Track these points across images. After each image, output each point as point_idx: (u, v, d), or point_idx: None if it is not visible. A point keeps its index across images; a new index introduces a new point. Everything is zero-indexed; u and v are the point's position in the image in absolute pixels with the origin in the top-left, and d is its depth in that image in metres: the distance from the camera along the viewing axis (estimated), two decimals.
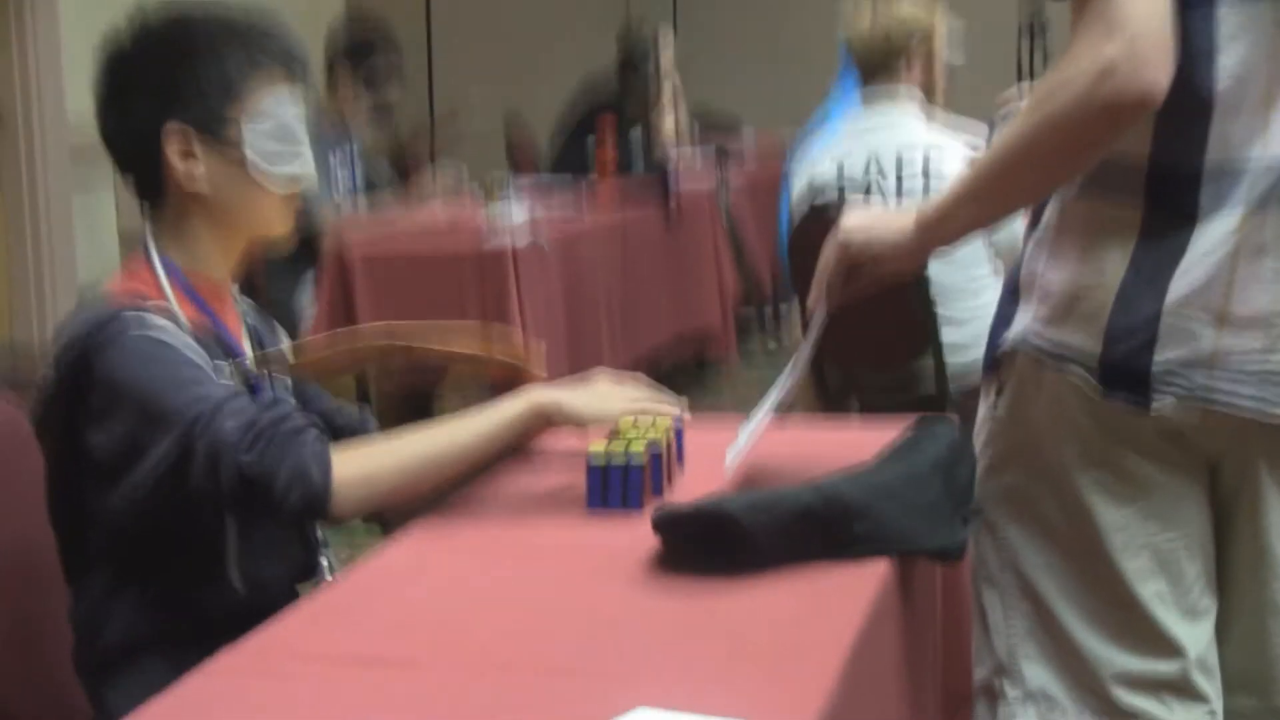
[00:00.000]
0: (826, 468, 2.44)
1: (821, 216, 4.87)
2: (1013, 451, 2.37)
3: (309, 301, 6.09)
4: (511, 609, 1.99)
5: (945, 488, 2.19)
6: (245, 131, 2.44)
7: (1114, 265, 2.20)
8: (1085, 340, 2.22)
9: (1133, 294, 2.18)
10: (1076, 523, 2.31)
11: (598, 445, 2.38)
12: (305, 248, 6.00)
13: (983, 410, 2.42)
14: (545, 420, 2.40)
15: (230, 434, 2.21)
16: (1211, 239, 2.15)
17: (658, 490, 2.41)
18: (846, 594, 1.99)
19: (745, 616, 1.93)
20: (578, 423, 2.41)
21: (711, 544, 2.07)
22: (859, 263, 2.36)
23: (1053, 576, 2.34)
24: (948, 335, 4.65)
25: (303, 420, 2.27)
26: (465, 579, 2.11)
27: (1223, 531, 2.33)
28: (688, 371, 7.91)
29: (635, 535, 2.16)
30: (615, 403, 2.43)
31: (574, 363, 6.03)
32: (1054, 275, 2.26)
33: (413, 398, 6.06)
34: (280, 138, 2.47)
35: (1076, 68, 2.05)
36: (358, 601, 2.04)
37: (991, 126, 2.55)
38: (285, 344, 2.68)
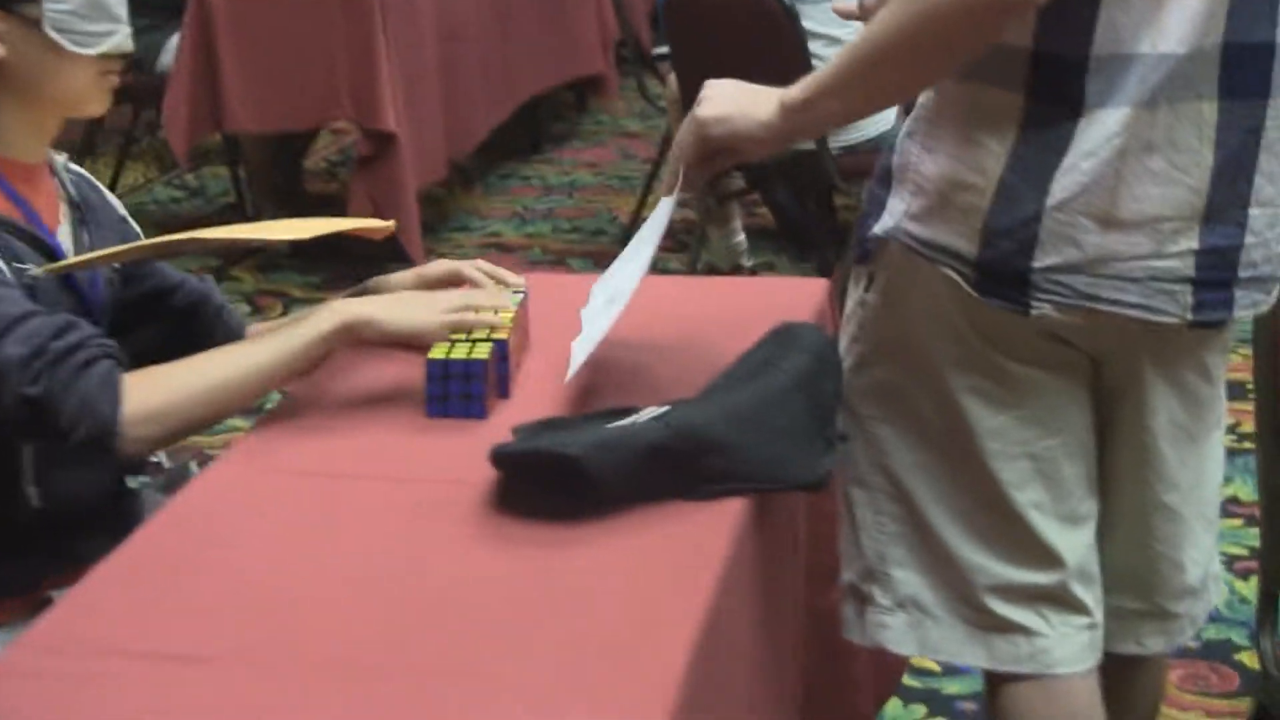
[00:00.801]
0: (686, 355, 2.32)
1: None
2: (884, 345, 2.22)
3: (169, 59, 5.80)
4: (326, 578, 1.83)
5: (809, 406, 2.05)
6: None
7: (993, 159, 2.04)
8: (960, 240, 2.07)
9: (1012, 192, 2.03)
10: (951, 425, 2.18)
11: (440, 344, 2.21)
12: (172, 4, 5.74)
13: (852, 299, 2.27)
14: (354, 336, 2.23)
15: (14, 360, 2.05)
16: (1097, 135, 1.99)
17: (504, 392, 2.26)
18: (699, 546, 1.86)
19: (589, 583, 1.79)
20: (392, 339, 2.24)
21: (554, 483, 1.92)
22: (718, 150, 2.18)
23: (925, 478, 2.22)
24: None
25: (97, 349, 2.10)
26: (281, 530, 1.95)
27: (1104, 431, 2.21)
28: (568, 116, 7.67)
29: (474, 456, 2.00)
30: (434, 314, 2.24)
31: (448, 111, 5.80)
32: (929, 166, 2.10)
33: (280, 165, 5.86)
34: (89, 6, 2.24)
35: None
36: (158, 569, 1.87)
37: None
38: (123, 210, 2.48)
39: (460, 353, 2.20)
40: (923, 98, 2.13)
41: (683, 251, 5.58)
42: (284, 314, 5.33)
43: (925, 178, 2.10)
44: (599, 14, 6.95)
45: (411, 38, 5.57)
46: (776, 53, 4.57)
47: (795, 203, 5.51)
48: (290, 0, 5.52)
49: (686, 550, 1.85)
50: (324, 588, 1.80)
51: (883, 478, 2.25)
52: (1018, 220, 2.02)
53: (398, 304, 2.26)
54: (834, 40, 4.57)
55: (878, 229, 2.16)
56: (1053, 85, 2.00)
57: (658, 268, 5.46)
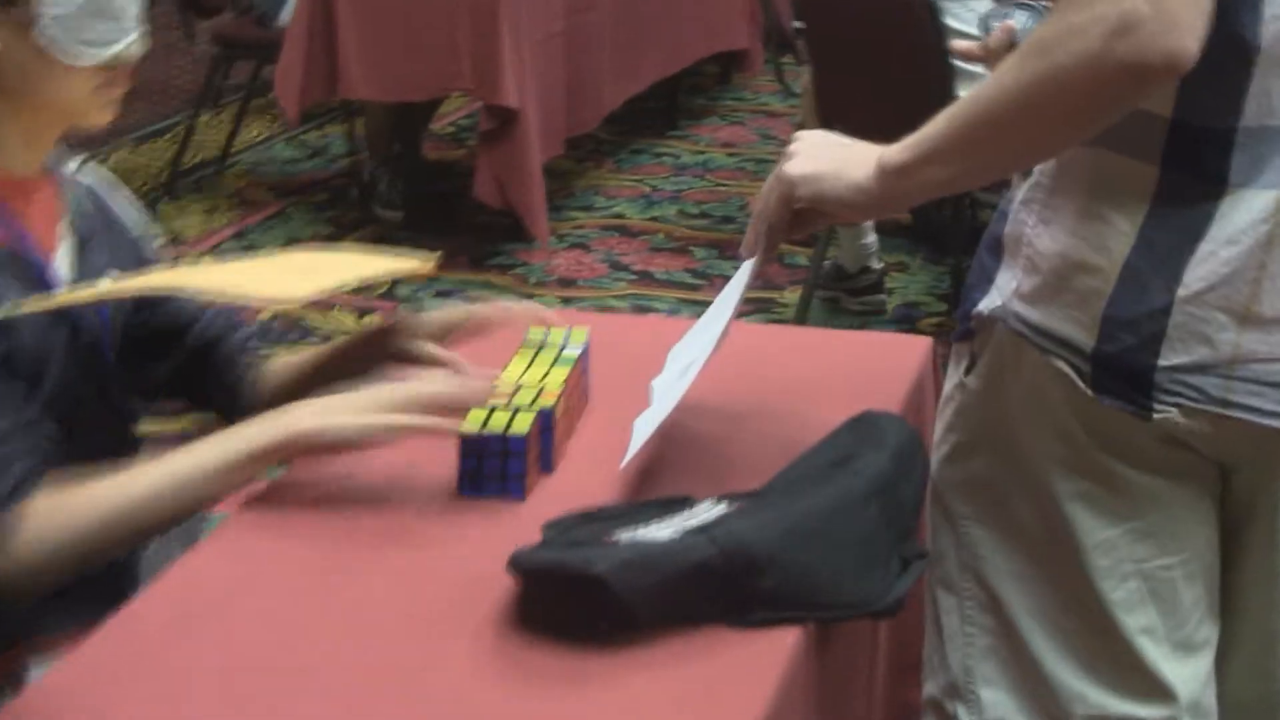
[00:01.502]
0: (761, 428, 2.07)
1: None
2: (984, 436, 1.96)
3: (289, 15, 5.60)
4: (308, 696, 1.60)
5: (883, 518, 1.79)
6: None
7: (1118, 238, 1.78)
8: (1075, 328, 1.81)
9: (1138, 278, 1.77)
10: (1054, 534, 1.91)
11: (478, 411, 1.97)
12: None
13: (951, 380, 2.00)
14: (303, 449, 1.97)
15: None
16: (1241, 219, 1.73)
17: (547, 465, 2.01)
18: (744, 683, 1.61)
19: None
20: (347, 449, 1.97)
21: (581, 599, 1.67)
22: (805, 212, 1.92)
23: (1022, 590, 1.95)
24: None
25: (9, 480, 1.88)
26: (268, 630, 1.71)
27: (1229, 547, 1.94)
28: (708, 90, 7.38)
29: (504, 547, 1.74)
30: (397, 419, 1.95)
31: (573, 88, 5.54)
32: (1044, 241, 1.83)
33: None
34: (91, 10, 2.00)
35: (1090, 13, 1.61)
36: (125, 679, 1.64)
37: (985, 25, 2.05)
38: (140, 226, 2.25)
39: (498, 424, 1.95)
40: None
41: (810, 245, 5.29)
42: (388, 293, 5.11)
43: (1040, 254, 1.83)
44: None
45: (538, 6, 5.32)
46: (913, 48, 4.29)
47: (931, 202, 5.20)
48: None
49: (730, 689, 1.60)
50: (305, 706, 1.57)
51: (974, 584, 1.98)
52: (1143, 311, 1.76)
53: (350, 409, 1.97)
54: (974, 39, 4.25)
55: (983, 305, 1.90)
56: (1192, 158, 1.75)
57: (782, 260, 5.24)
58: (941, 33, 4.18)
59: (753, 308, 4.96)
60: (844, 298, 5.00)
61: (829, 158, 1.88)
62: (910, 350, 2.34)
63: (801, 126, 5.29)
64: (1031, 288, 1.84)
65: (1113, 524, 1.87)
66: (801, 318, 4.72)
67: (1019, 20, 2.00)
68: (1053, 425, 1.86)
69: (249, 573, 1.81)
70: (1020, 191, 1.89)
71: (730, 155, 6.53)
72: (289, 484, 2.00)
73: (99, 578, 2.02)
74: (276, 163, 6.48)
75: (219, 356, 2.26)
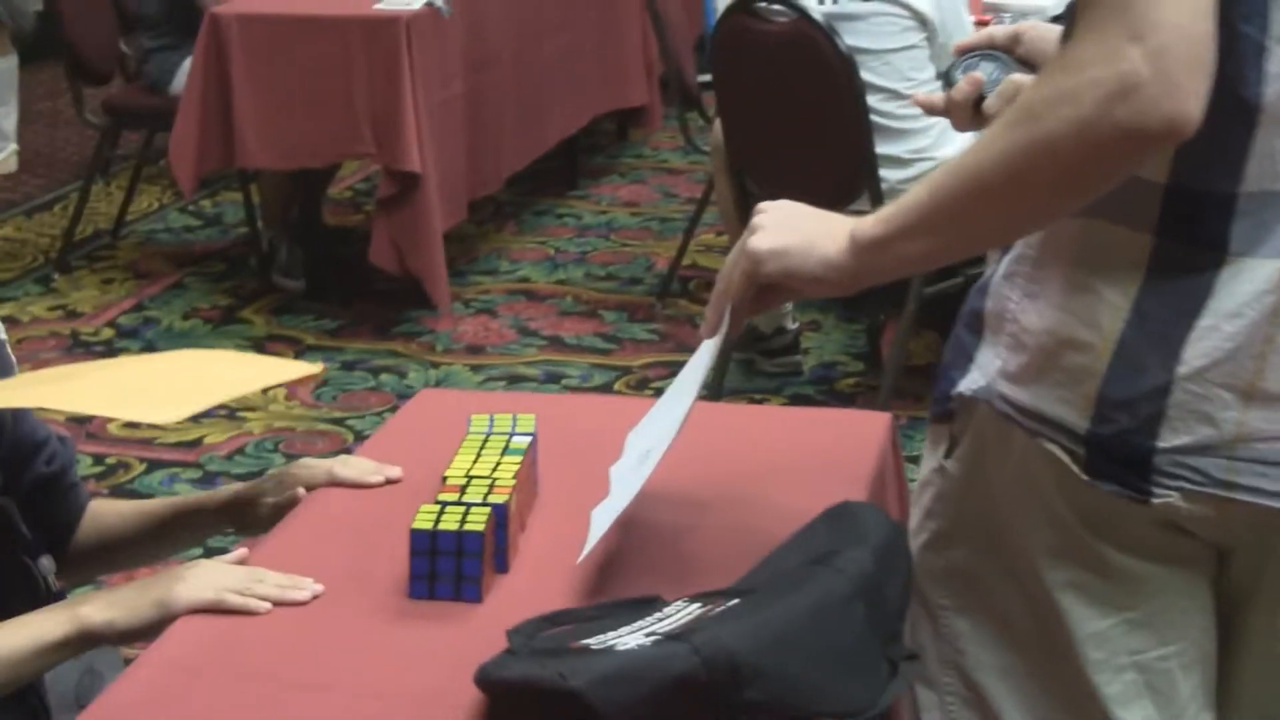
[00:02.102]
0: (727, 516, 1.97)
1: (751, 14, 4.30)
2: (966, 523, 1.86)
3: (181, 83, 5.47)
4: None
5: (870, 618, 1.67)
6: None
7: (1111, 311, 1.68)
8: (1067, 409, 1.71)
9: (1133, 355, 1.67)
10: (1043, 625, 1.81)
11: (428, 508, 1.85)
12: (187, 23, 5.40)
13: (928, 464, 1.90)
14: (91, 644, 1.86)
15: None
16: (1243, 291, 1.64)
17: (501, 565, 1.89)
18: None
19: None
20: (137, 640, 1.85)
21: (554, 715, 1.55)
22: (772, 288, 1.82)
23: (1008, 685, 1.85)
24: (888, 175, 4.12)
25: None
26: None
27: (1227, 633, 1.84)
28: (607, 148, 7.29)
29: (462, 657, 1.64)
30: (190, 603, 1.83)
31: (475, 148, 5.44)
32: (1031, 316, 1.74)
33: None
34: None
35: (1083, 77, 1.51)
36: None
37: (948, 77, 1.96)
38: None
39: (450, 522, 1.83)
40: None
41: None
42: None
43: (1026, 330, 1.74)
44: (643, 41, 6.57)
45: (439, 70, 5.21)
46: (831, 104, 4.21)
47: None
48: (309, 26, 5.18)
49: None
50: None
51: (956, 679, 1.88)
52: (1140, 391, 1.67)
53: (142, 597, 1.85)
54: (895, 94, 4.19)
55: (964, 386, 1.80)
56: (1190, 226, 1.65)
57: (693, 323, 5.14)
58: (860, 89, 4.11)
59: (667, 371, 4.86)
60: (759, 359, 4.91)
61: (797, 230, 1.77)
62: (869, 426, 2.24)
63: (710, 183, 5.21)
64: (1018, 366, 1.74)
65: (1106, 614, 1.77)
66: (718, 382, 4.62)
67: (986, 71, 1.92)
68: (1042, 511, 1.77)
69: (194, 692, 1.68)
70: (1002, 265, 1.80)
71: (633, 215, 6.43)
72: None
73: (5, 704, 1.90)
74: (171, 232, 6.33)
75: (53, 495, 2.12)
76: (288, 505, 2.07)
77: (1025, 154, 1.56)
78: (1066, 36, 1.62)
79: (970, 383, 1.79)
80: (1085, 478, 1.70)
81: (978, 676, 1.86)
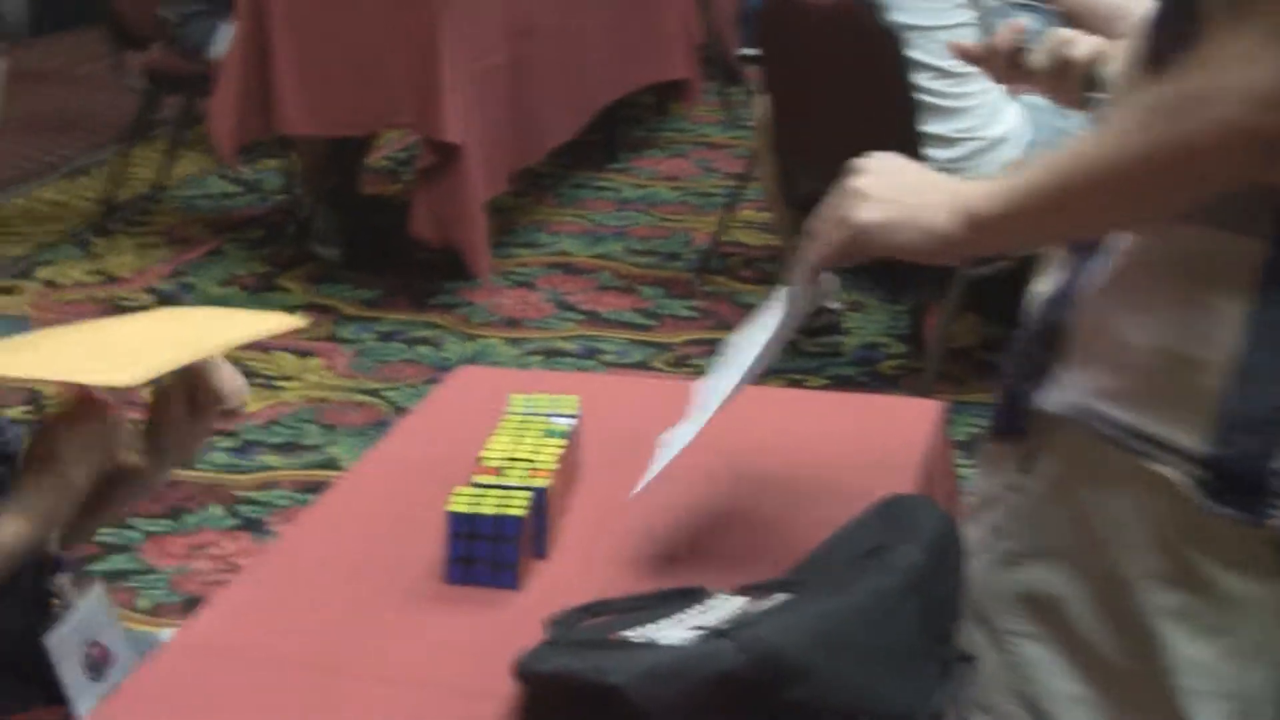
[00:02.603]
0: (772, 506, 1.92)
1: None
2: (1048, 545, 1.74)
3: (220, 48, 5.43)
4: None
5: (922, 618, 1.62)
6: None
7: (1226, 325, 1.57)
8: (1182, 431, 1.60)
9: (1256, 370, 1.57)
10: (1132, 651, 1.69)
11: (466, 490, 1.81)
12: None
13: (992, 480, 1.80)
14: None
15: None
16: None
17: (540, 551, 1.85)
18: None
19: None
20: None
21: (593, 710, 1.51)
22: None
23: (1082, 713, 1.73)
24: (934, 154, 4.06)
25: None
26: None
27: None
28: (647, 121, 7.24)
29: (499, 647, 1.58)
30: None
31: (516, 119, 5.39)
32: (1134, 333, 1.63)
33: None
34: None
35: (1223, 80, 1.43)
36: None
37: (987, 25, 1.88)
38: None
39: (489, 506, 1.78)
40: (1115, 240, 1.67)
41: (766, 284, 5.16)
42: (330, 334, 4.94)
43: (1129, 348, 1.63)
44: (683, 12, 6.51)
45: (478, 39, 5.16)
46: (877, 81, 4.15)
47: None
48: None
49: None
50: None
51: (1024, 709, 1.77)
52: (1264, 410, 1.56)
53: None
54: (943, 73, 4.13)
55: (1048, 404, 1.69)
56: None
57: (734, 301, 5.10)
58: (906, 65, 4.05)
59: (706, 349, 4.81)
60: (800, 339, 4.85)
61: (903, 200, 1.65)
62: (918, 414, 2.19)
63: (755, 158, 5.16)
64: (1120, 386, 1.63)
65: (1208, 640, 1.67)
66: None
67: (1029, 21, 1.87)
68: (1147, 534, 1.66)
69: (224, 676, 1.64)
70: (1082, 274, 1.71)
71: (674, 189, 6.38)
72: (257, 573, 1.84)
73: (15, 669, 1.87)
74: (211, 198, 6.30)
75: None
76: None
77: (1165, 150, 1.47)
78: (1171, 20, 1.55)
79: (1056, 400, 1.68)
80: (1204, 502, 1.59)
81: (1048, 706, 1.75)
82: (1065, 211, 1.57)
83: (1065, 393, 1.67)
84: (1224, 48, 1.43)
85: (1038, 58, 1.85)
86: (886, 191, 1.65)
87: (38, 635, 1.93)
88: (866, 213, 1.65)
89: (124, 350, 1.86)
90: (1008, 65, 1.88)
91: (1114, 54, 1.83)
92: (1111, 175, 1.51)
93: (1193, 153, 1.45)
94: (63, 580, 1.98)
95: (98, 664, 1.96)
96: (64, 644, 1.93)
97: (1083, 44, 1.86)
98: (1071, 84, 1.89)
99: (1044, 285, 1.74)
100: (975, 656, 1.73)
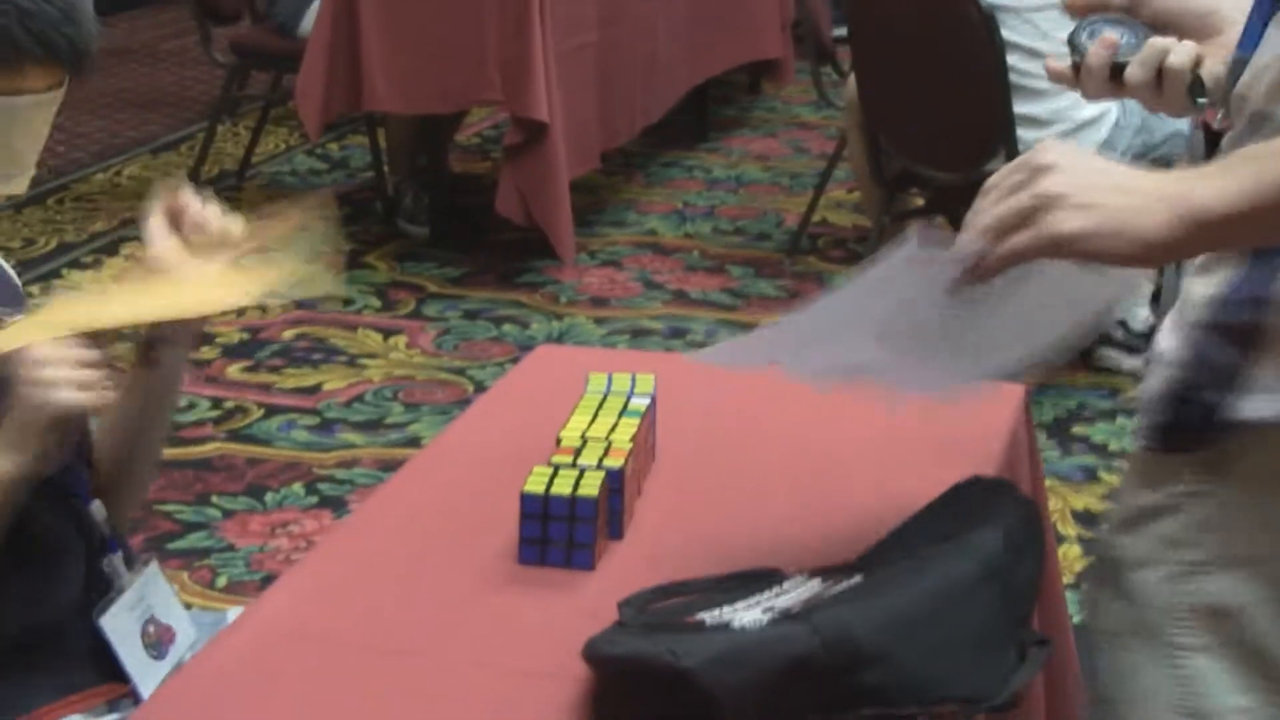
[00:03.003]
0: (848, 490, 1.89)
1: None
2: (1240, 552, 1.60)
3: (309, 24, 5.42)
4: None
5: (999, 603, 1.60)
6: None
7: None
8: None
9: None
10: None
11: (541, 470, 1.78)
12: None
13: (1164, 488, 1.63)
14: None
15: None
16: None
17: (615, 532, 1.82)
18: None
19: None
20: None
21: (664, 692, 1.48)
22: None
23: None
24: (1025, 136, 4.00)
25: None
26: None
27: None
28: (739, 101, 7.19)
29: (572, 628, 1.57)
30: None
31: (605, 100, 5.36)
32: None
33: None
34: None
35: None
36: None
37: (1073, 43, 1.77)
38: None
39: (564, 485, 1.76)
40: None
41: (854, 263, 5.11)
42: (415, 311, 4.93)
43: None
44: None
45: (571, 18, 5.13)
46: (969, 62, 4.10)
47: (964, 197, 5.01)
48: None
49: None
50: None
51: None
52: None
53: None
54: (1035, 54, 4.07)
55: (1250, 412, 1.55)
56: None
57: (820, 279, 5.06)
58: (1000, 46, 3.99)
59: None
60: None
61: (1110, 204, 1.46)
62: (1001, 397, 2.15)
63: (843, 139, 5.11)
64: None
65: None
66: None
67: (1117, 34, 1.79)
68: None
69: (290, 657, 1.62)
70: (1266, 264, 1.55)
71: (764, 169, 6.34)
72: (327, 553, 1.82)
73: (71, 650, 1.85)
74: (297, 175, 6.30)
75: None
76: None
77: None
78: None
79: (1257, 408, 1.55)
80: None
81: None
82: None
83: (1268, 399, 1.55)
84: None
85: (1135, 71, 1.73)
86: (1087, 194, 1.46)
87: (94, 618, 1.93)
88: (1068, 222, 1.46)
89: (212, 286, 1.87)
90: (1104, 82, 1.80)
91: (1213, 55, 1.75)
92: None
93: None
94: (115, 560, 1.97)
95: (158, 643, 1.95)
96: (119, 623, 1.92)
97: (1179, 50, 1.77)
98: (1174, 93, 1.79)
99: (1206, 286, 1.60)
100: (1051, 640, 1.68)
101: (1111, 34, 1.76)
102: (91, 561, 1.95)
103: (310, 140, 6.06)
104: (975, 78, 4.04)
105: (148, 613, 1.96)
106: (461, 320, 4.91)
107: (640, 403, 1.95)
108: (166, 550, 3.58)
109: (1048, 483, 3.05)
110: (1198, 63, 1.74)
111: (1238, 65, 1.58)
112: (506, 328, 4.85)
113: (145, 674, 1.91)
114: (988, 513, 1.66)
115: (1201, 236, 1.45)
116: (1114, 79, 1.76)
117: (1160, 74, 1.73)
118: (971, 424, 2.06)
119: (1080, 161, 1.48)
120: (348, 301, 4.99)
